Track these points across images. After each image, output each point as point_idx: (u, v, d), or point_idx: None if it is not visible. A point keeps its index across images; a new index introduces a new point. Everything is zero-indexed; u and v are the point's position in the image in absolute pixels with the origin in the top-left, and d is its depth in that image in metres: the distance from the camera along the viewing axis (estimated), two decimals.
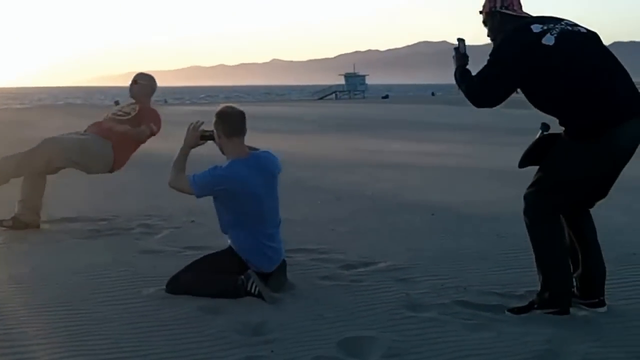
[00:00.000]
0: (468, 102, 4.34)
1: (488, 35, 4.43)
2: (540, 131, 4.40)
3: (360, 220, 7.66)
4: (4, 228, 6.80)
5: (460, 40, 4.46)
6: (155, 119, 7.20)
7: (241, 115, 4.87)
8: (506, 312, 4.43)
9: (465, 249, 6.22)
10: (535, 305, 4.40)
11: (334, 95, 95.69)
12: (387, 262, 5.71)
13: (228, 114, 4.87)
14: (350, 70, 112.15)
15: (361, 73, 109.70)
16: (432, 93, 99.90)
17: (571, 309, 4.34)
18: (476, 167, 13.01)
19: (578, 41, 4.15)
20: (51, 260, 5.73)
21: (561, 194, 4.21)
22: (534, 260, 4.38)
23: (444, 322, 4.27)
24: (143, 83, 7.33)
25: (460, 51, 4.42)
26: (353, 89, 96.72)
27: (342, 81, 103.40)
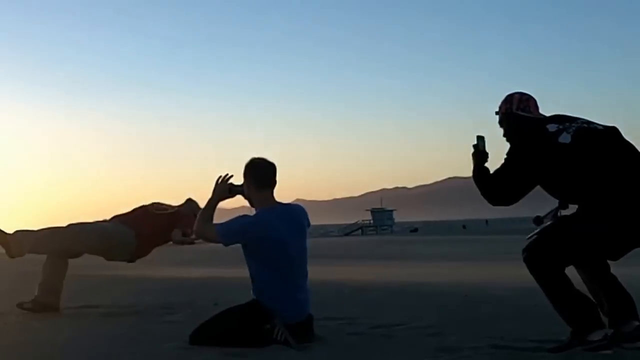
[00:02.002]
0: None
1: (504, 136, 4.63)
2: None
3: (391, 301, 7.70)
4: (24, 310, 6.87)
5: (480, 138, 4.64)
6: (190, 222, 7.41)
7: (272, 167, 5.01)
8: (547, 352, 4.41)
9: (498, 314, 6.23)
10: (574, 342, 4.38)
11: (360, 230, 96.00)
12: (419, 322, 5.74)
13: (259, 166, 5.00)
14: (377, 206, 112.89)
15: (388, 208, 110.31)
16: (463, 226, 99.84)
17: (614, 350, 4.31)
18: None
19: (595, 138, 4.35)
20: (75, 329, 5.80)
21: (570, 258, 4.37)
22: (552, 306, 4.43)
23: (478, 358, 4.28)
24: (192, 206, 7.60)
25: (480, 148, 4.61)
26: (380, 224, 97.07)
27: (368, 216, 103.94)
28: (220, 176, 5.11)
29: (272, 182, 5.00)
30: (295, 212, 5.04)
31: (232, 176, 5.11)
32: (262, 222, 4.85)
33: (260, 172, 4.98)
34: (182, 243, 7.23)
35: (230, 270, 14.35)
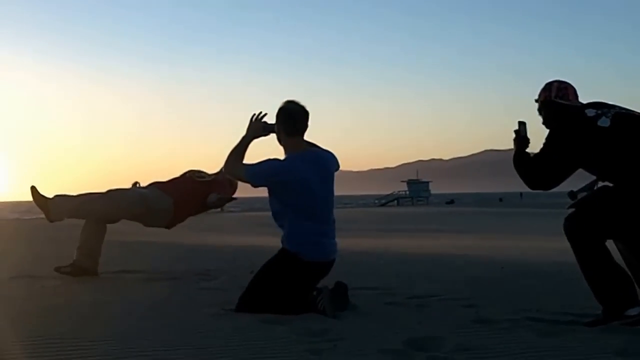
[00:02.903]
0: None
1: (543, 124, 4.66)
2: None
3: (429, 270, 7.71)
4: (62, 274, 6.98)
5: (522, 124, 4.68)
6: (224, 189, 7.51)
7: (304, 113, 4.96)
8: (583, 326, 4.39)
9: (538, 287, 6.19)
10: (611, 316, 4.35)
11: (395, 201, 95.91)
12: (455, 294, 5.73)
13: (290, 111, 4.97)
14: (413, 177, 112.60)
15: (424, 180, 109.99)
16: (499, 199, 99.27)
17: None
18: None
19: (633, 123, 4.41)
20: (112, 293, 5.88)
21: (610, 229, 4.38)
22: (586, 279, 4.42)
23: (515, 330, 4.28)
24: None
25: (521, 134, 4.65)
26: (416, 195, 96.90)
27: (404, 188, 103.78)
28: (255, 114, 5.10)
29: (303, 129, 4.99)
30: (324, 158, 5.04)
31: (266, 114, 5.09)
32: (290, 167, 4.87)
33: (291, 118, 4.95)
34: (217, 205, 7.33)
35: (264, 239, 14.48)
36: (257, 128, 5.06)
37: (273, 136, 5.04)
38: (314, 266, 4.91)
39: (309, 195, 4.87)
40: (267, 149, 5.34)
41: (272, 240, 12.80)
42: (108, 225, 7.32)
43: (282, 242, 5.00)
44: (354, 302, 5.07)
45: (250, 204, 74.03)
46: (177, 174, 7.66)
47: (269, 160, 4.92)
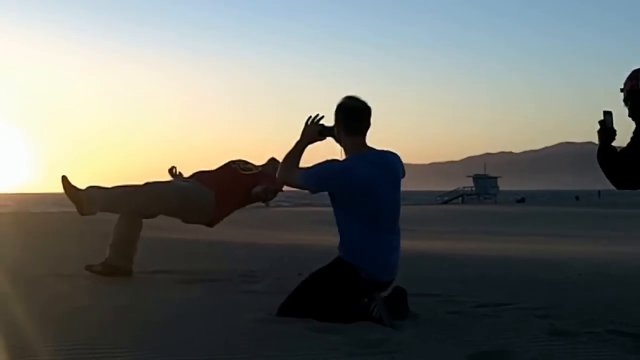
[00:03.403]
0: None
1: (629, 116, 4.55)
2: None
3: (492, 274, 7.61)
4: (93, 273, 7.04)
5: (607, 113, 4.56)
6: (273, 182, 7.49)
7: (365, 110, 4.91)
8: None
9: (620, 296, 6.07)
10: None
11: (460, 198, 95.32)
12: (527, 303, 5.64)
13: (350, 108, 4.92)
14: (480, 172, 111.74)
15: (492, 175, 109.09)
16: (576, 197, 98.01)
17: None
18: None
19: None
20: (145, 294, 5.92)
21: None
22: None
23: (595, 344, 4.19)
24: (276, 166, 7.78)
25: (607, 125, 4.53)
26: (483, 192, 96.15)
27: (469, 183, 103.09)
28: (310, 117, 5.08)
29: (365, 127, 4.93)
30: (389, 160, 4.97)
31: (322, 117, 5.06)
32: (351, 168, 4.80)
33: (352, 115, 4.90)
34: (262, 197, 7.32)
35: (316, 237, 14.48)
36: (313, 132, 5.04)
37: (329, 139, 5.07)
38: (373, 283, 4.85)
39: (374, 201, 4.80)
40: (324, 152, 5.50)
41: (324, 239, 12.76)
42: (144, 221, 7.36)
43: (339, 250, 4.94)
44: (413, 310, 5.02)
45: (301, 197, 74.29)
46: (220, 164, 7.69)
47: (327, 161, 4.86)
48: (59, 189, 6.95)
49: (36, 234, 14.18)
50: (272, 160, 7.82)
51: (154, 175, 7.72)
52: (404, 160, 5.19)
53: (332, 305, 4.79)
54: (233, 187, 7.36)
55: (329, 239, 13.25)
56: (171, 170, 7.82)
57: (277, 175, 5.05)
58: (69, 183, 6.94)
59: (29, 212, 41.28)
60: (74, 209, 7.10)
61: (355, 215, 4.83)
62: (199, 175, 7.54)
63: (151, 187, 7.22)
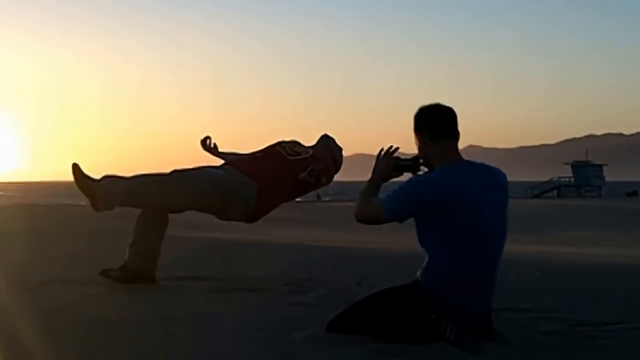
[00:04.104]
0: None
1: None
2: None
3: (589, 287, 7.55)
4: (110, 280, 7.10)
5: None
6: (326, 168, 7.46)
7: (450, 112, 4.90)
8: None
9: None
10: None
11: (555, 191, 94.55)
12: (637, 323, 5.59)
13: (432, 111, 4.91)
14: (581, 158, 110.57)
15: (596, 162, 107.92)
16: None
17: None
18: None
19: None
20: (171, 306, 5.96)
21: None
22: None
23: None
24: (329, 144, 7.77)
25: None
26: (584, 184, 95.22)
27: (567, 173, 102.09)
28: (382, 149, 5.09)
29: (454, 131, 4.90)
30: (492, 174, 4.88)
31: (397, 149, 5.07)
32: (444, 181, 4.71)
33: (436, 119, 4.88)
34: (309, 182, 7.22)
35: (379, 239, 14.48)
36: (386, 167, 5.02)
37: None
38: (458, 321, 4.79)
39: (477, 215, 4.71)
40: None
41: (390, 242, 12.72)
42: (170, 216, 7.39)
43: (421, 275, 4.89)
44: (498, 329, 4.99)
45: (352, 190, 74.26)
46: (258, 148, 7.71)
47: (411, 180, 4.84)
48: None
49: (43, 230, 14.38)
50: (324, 137, 7.79)
51: (173, 164, 7.67)
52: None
53: (397, 322, 4.77)
54: (278, 175, 7.33)
55: (396, 241, 13.26)
56: (204, 142, 7.82)
57: (355, 216, 5.05)
58: (82, 173, 6.94)
59: (37, 204, 41.93)
60: (85, 201, 7.15)
61: (450, 243, 4.75)
62: (238, 160, 7.54)
63: (180, 177, 7.18)
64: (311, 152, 7.55)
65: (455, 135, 4.87)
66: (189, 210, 7.49)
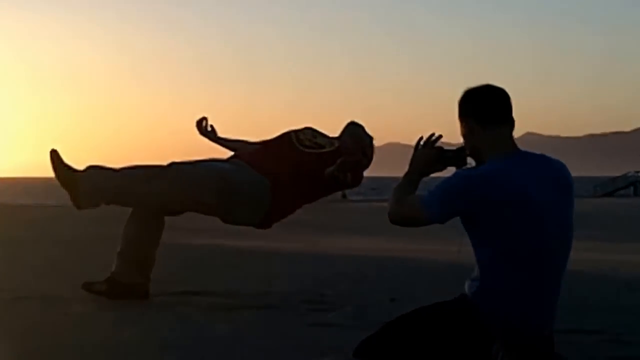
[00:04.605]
0: None
1: None
2: None
3: None
4: (94, 295, 7.11)
5: None
6: (358, 164, 7.33)
7: (503, 95, 4.85)
8: None
9: None
10: None
11: (631, 188, 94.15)
12: None
13: (481, 95, 4.84)
14: None
15: None
16: None
17: None
18: None
19: None
20: (168, 326, 5.99)
21: None
22: None
23: None
24: (357, 132, 7.67)
25: None
26: None
27: None
28: (422, 137, 5.01)
29: (507, 116, 4.86)
30: (554, 167, 4.86)
31: (439, 137, 4.99)
32: (496, 177, 4.66)
33: (486, 102, 4.82)
34: (339, 178, 7.07)
35: (416, 246, 14.46)
36: (427, 159, 4.96)
37: None
38: (514, 345, 4.79)
39: (531, 227, 4.69)
40: None
41: (429, 250, 12.68)
42: (167, 219, 7.40)
43: (469, 287, 4.88)
44: (561, 353, 4.99)
45: (385, 188, 74.05)
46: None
47: (457, 173, 4.79)
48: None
49: (14, 236, 14.41)
50: (351, 125, 7.67)
51: (168, 157, 7.54)
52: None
53: (439, 345, 4.78)
54: (297, 172, 7.24)
55: (437, 249, 13.25)
56: (200, 124, 7.72)
57: (389, 217, 4.97)
58: (62, 162, 6.91)
59: (10, 204, 41.95)
60: (65, 199, 7.15)
61: (502, 247, 4.73)
62: (249, 153, 7.47)
63: (179, 171, 7.10)
64: (337, 144, 7.43)
65: (509, 121, 4.83)
66: (189, 211, 7.48)
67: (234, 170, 7.25)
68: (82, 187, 6.92)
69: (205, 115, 7.75)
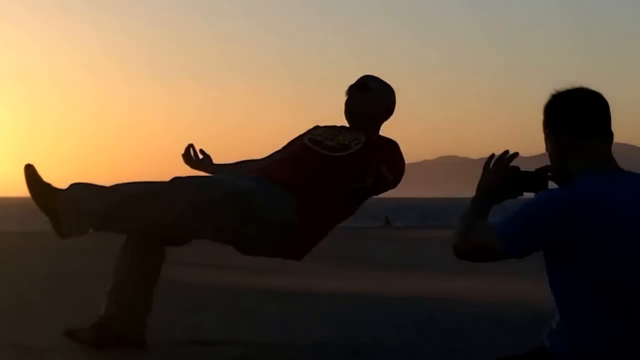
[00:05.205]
0: None
1: None
2: None
3: None
4: (79, 344, 7.10)
5: None
6: (394, 158, 7.21)
7: (600, 101, 4.79)
8: None
9: None
10: None
11: None
12: None
13: (573, 100, 4.77)
14: None
15: None
16: None
17: None
18: None
19: None
20: None
21: None
22: None
23: None
24: (378, 89, 7.49)
25: None
26: None
27: None
28: (493, 155, 4.95)
29: (606, 127, 4.81)
30: None
31: (515, 154, 4.93)
32: (590, 200, 4.61)
33: (579, 109, 4.74)
34: (367, 187, 6.89)
35: (484, 285, 14.45)
36: (501, 181, 4.94)
37: None
38: None
39: (635, 262, 4.64)
40: None
41: (500, 291, 12.68)
42: (168, 250, 7.35)
43: (549, 338, 4.86)
44: None
45: (439, 212, 74.24)
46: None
47: (540, 195, 4.72)
48: (24, 189, 6.88)
49: None
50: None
51: (167, 173, 7.34)
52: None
53: None
54: (324, 183, 7.09)
55: (507, 288, 13.23)
56: (187, 155, 7.59)
57: (453, 245, 4.87)
58: (39, 179, 6.79)
59: None
60: (44, 223, 7.12)
61: (591, 289, 4.69)
62: (266, 167, 7.35)
63: (187, 187, 6.86)
64: (363, 139, 7.25)
65: (607, 133, 4.76)
66: (198, 238, 7.43)
67: (252, 188, 7.05)
68: (65, 210, 6.86)
69: (191, 142, 7.70)
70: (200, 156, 7.67)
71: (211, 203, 6.96)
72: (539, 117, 4.87)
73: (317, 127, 7.56)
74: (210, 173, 7.65)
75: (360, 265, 19.94)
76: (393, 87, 7.70)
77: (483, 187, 4.90)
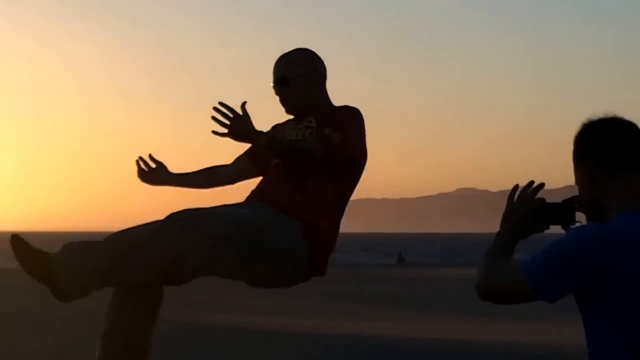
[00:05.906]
0: None
1: None
2: None
3: None
4: None
5: None
6: (342, 121, 7.07)
7: (634, 131, 4.73)
8: None
9: None
10: None
11: None
12: None
13: (607, 131, 4.70)
14: None
15: None
16: None
17: None
18: None
19: None
20: None
21: None
22: None
23: None
24: (297, 73, 7.38)
25: None
26: None
27: None
28: (517, 186, 4.86)
29: None
30: None
31: (542, 185, 4.87)
32: (628, 240, 4.56)
33: (614, 140, 4.68)
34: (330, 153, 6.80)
35: (502, 326, 14.47)
36: (526, 214, 4.83)
37: None
38: None
39: None
40: None
41: (526, 337, 12.71)
42: (166, 290, 7.32)
43: None
44: None
45: (457, 248, 74.77)
46: None
47: (572, 233, 4.63)
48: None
49: None
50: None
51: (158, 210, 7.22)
52: None
53: None
54: (325, 193, 7.01)
55: (532, 331, 13.22)
56: (140, 170, 7.38)
57: (476, 285, 4.81)
58: (28, 247, 6.72)
59: None
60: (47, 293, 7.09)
61: (630, 339, 4.62)
62: (268, 191, 7.25)
63: (188, 218, 6.82)
64: (314, 122, 7.09)
65: None
66: (202, 275, 7.35)
67: (255, 215, 6.93)
68: (61, 273, 6.80)
69: (150, 153, 7.33)
70: (153, 165, 7.36)
71: (216, 236, 6.85)
72: (563, 148, 4.80)
73: (275, 127, 7.52)
74: (176, 185, 7.43)
75: (367, 306, 19.97)
76: (306, 47, 7.54)
77: (508, 221, 4.76)
